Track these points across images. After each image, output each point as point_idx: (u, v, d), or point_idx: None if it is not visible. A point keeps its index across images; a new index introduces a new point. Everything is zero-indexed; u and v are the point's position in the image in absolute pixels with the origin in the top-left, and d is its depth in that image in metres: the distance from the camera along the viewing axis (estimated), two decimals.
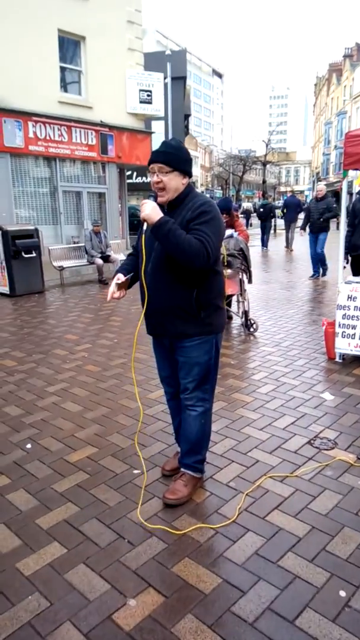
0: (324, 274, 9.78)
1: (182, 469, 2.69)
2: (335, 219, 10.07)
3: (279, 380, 4.27)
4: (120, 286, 2.51)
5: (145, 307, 2.46)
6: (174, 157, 2.33)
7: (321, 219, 9.39)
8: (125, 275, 2.51)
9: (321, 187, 9.90)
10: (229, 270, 5.44)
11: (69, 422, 3.57)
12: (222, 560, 2.17)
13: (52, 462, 3.01)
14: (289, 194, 17.43)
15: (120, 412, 3.70)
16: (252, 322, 5.84)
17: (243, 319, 5.92)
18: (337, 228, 17.73)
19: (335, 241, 6.12)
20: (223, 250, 5.26)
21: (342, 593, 1.96)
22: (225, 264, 5.31)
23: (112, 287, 2.50)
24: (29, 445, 3.23)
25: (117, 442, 3.23)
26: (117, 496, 2.63)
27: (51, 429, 3.46)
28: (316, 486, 2.68)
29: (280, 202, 22.90)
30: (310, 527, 2.37)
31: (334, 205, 9.57)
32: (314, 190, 60.83)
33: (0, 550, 2.26)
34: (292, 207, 15.29)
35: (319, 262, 9.74)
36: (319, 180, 54.39)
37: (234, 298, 6.47)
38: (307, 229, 9.87)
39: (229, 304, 6.41)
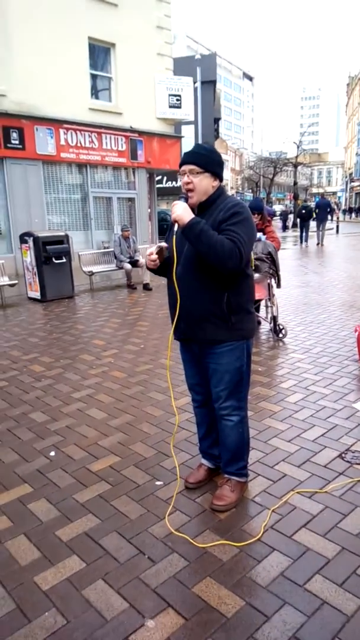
0: None
1: (226, 476, 2.65)
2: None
3: (309, 388, 4.12)
4: (159, 254, 2.40)
5: (177, 309, 2.39)
6: (205, 158, 2.32)
7: None
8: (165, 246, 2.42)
9: None
10: (256, 275, 5.33)
11: (93, 429, 3.54)
12: (246, 581, 2.07)
13: (75, 471, 2.97)
14: (320, 196, 18.60)
15: (145, 420, 3.65)
16: (281, 327, 5.69)
17: (272, 325, 5.79)
18: None
19: None
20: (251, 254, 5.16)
21: None
22: (253, 268, 5.21)
23: (155, 249, 2.39)
24: (52, 453, 3.21)
25: (140, 452, 3.17)
26: (139, 509, 2.57)
27: (75, 437, 3.43)
28: (347, 504, 2.54)
29: (312, 203, 24.99)
30: (340, 547, 2.23)
31: None
32: (347, 191, 59.53)
33: (20, 562, 2.23)
34: (323, 208, 17.89)
35: None
36: (352, 180, 53.13)
37: (262, 303, 6.33)
38: None
39: (257, 309, 6.27)
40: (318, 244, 17.95)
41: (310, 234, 19.21)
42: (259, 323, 6.30)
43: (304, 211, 18.95)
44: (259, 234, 5.65)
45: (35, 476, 2.94)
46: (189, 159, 2.33)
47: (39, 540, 2.37)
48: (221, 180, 2.41)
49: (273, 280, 5.74)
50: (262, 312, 6.46)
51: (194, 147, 2.42)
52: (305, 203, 23.16)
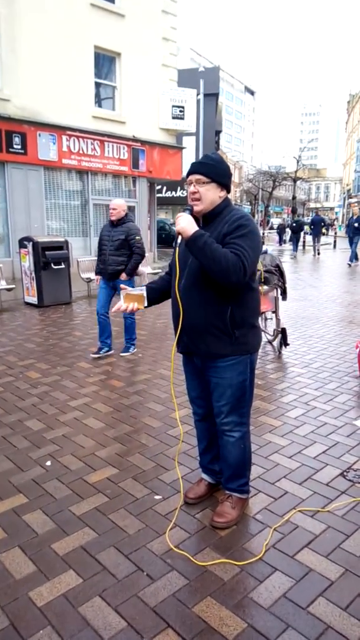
0: (131, 348, 5.70)
1: (227, 492, 2.60)
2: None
3: (309, 404, 4.08)
4: (128, 299, 2.45)
5: (180, 324, 2.36)
6: (213, 168, 2.29)
7: (120, 257, 5.29)
8: (134, 289, 2.49)
9: (115, 203, 5.37)
10: (265, 287, 5.36)
11: (90, 439, 3.48)
12: (247, 602, 2.01)
13: (71, 482, 2.90)
14: (314, 213, 20.74)
15: (143, 432, 3.59)
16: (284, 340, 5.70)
17: (278, 337, 5.80)
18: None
19: None
20: (260, 267, 5.21)
21: None
22: (263, 280, 5.25)
23: (121, 301, 2.49)
24: (48, 463, 3.14)
25: (138, 464, 3.11)
26: (137, 523, 2.51)
27: (72, 446, 3.37)
28: (350, 524, 2.50)
29: (309, 219, 26.95)
30: (344, 569, 2.18)
31: (136, 236, 5.26)
32: (344, 207, 60.15)
33: (15, 576, 2.16)
34: (317, 223, 20.36)
35: (127, 331, 5.76)
36: (349, 197, 53.62)
37: (267, 315, 6.31)
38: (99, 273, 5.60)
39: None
40: (314, 255, 19.72)
41: (307, 247, 20.42)
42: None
43: (295, 225, 21.65)
44: (264, 247, 5.68)
45: (30, 486, 2.88)
46: (196, 168, 2.30)
47: (34, 554, 2.30)
48: (228, 191, 2.38)
49: (278, 292, 5.74)
50: (262, 325, 6.44)
51: (202, 157, 2.39)
52: (297, 218, 26.46)
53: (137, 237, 5.33)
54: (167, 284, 2.54)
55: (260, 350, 5.69)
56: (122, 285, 2.54)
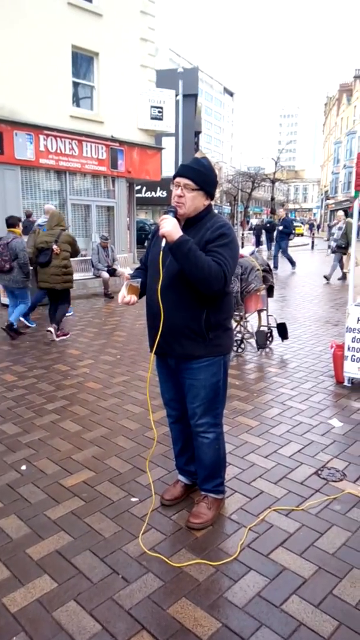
0: None
1: (202, 492, 2.61)
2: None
3: (285, 404, 4.13)
4: (130, 290, 2.39)
5: (161, 324, 2.34)
6: (203, 176, 2.28)
7: None
8: (135, 281, 2.42)
9: None
10: (263, 286, 5.55)
11: (66, 442, 3.45)
12: (222, 601, 2.03)
13: (47, 486, 2.88)
14: (283, 214, 20.99)
15: (120, 434, 3.58)
16: (271, 337, 5.92)
17: (276, 332, 6.01)
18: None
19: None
20: (258, 267, 5.45)
21: None
22: (262, 279, 5.47)
23: (123, 291, 2.39)
24: (23, 467, 3.11)
25: (116, 467, 3.10)
26: (113, 526, 2.50)
27: (48, 450, 3.34)
28: (323, 521, 2.54)
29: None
30: (317, 567, 2.22)
31: None
32: (322, 208, 60.99)
33: None
34: (288, 224, 20.81)
35: None
36: (327, 198, 54.36)
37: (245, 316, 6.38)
38: None
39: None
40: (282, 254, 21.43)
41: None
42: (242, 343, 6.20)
43: (268, 225, 22.15)
44: (252, 248, 5.95)
45: (5, 491, 2.84)
46: (186, 172, 2.26)
47: (9, 559, 2.27)
48: (212, 199, 2.38)
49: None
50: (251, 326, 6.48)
51: (193, 161, 2.34)
52: (270, 219, 27.62)
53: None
54: (144, 276, 2.50)
55: (237, 351, 5.78)
56: (126, 275, 2.47)
